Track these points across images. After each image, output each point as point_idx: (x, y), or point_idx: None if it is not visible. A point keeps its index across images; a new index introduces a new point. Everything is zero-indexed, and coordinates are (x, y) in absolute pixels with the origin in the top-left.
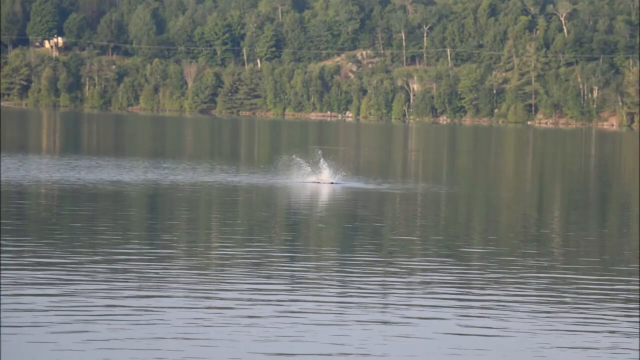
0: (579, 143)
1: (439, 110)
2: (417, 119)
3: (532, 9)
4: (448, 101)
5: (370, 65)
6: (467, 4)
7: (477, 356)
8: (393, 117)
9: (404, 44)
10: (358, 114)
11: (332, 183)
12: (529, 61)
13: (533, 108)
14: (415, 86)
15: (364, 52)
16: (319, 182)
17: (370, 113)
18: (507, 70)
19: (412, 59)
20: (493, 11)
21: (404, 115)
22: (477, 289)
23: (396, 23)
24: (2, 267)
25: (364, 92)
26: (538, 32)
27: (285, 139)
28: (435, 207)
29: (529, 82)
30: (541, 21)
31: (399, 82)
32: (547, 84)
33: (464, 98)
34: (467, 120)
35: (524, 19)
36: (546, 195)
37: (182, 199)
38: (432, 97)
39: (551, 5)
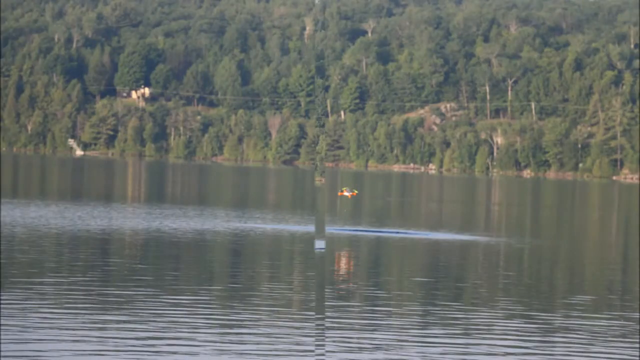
0: None
1: (522, 164)
2: (501, 172)
3: (618, 63)
4: (532, 155)
5: (453, 118)
6: (552, 59)
7: None
8: (476, 170)
9: (488, 97)
10: (441, 167)
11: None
12: (615, 116)
13: (618, 163)
14: (499, 139)
15: (448, 105)
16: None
17: (453, 166)
18: (592, 125)
19: (496, 112)
20: (579, 66)
21: (487, 168)
22: (561, 348)
23: (480, 76)
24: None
25: (447, 144)
26: (624, 87)
27: (368, 191)
28: (516, 259)
29: (614, 137)
30: (627, 76)
31: (483, 135)
32: (633, 138)
33: (548, 152)
34: (551, 174)
35: (610, 73)
36: (630, 250)
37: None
38: (516, 151)
39: (637, 61)
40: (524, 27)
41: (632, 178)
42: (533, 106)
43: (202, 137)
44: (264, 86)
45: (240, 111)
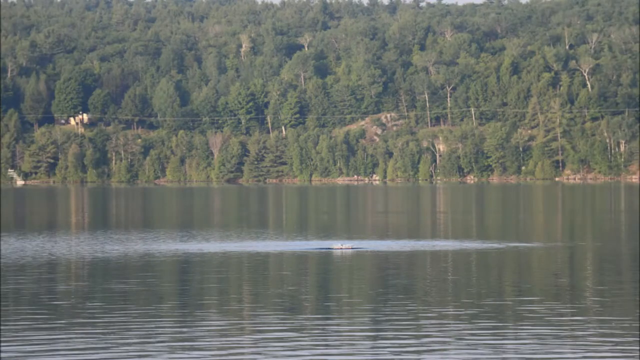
0: (608, 198)
1: (465, 170)
2: (445, 179)
3: (554, 65)
4: (474, 160)
5: (394, 128)
6: (489, 64)
7: None
8: (420, 178)
9: (427, 105)
10: (385, 177)
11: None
12: (554, 117)
13: (560, 164)
14: (441, 146)
15: (388, 115)
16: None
17: (397, 175)
18: (532, 128)
19: (437, 120)
20: (515, 69)
21: (431, 176)
22: (512, 346)
23: (419, 85)
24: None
25: (390, 154)
26: (562, 88)
27: (313, 206)
28: (466, 264)
29: (555, 139)
30: (564, 77)
31: (425, 143)
32: (573, 139)
33: (490, 157)
34: (495, 179)
35: (547, 75)
36: (576, 250)
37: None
38: (459, 157)
39: (574, 61)
40: (460, 34)
41: (574, 178)
42: (473, 112)
43: (144, 160)
44: (203, 106)
45: (181, 132)
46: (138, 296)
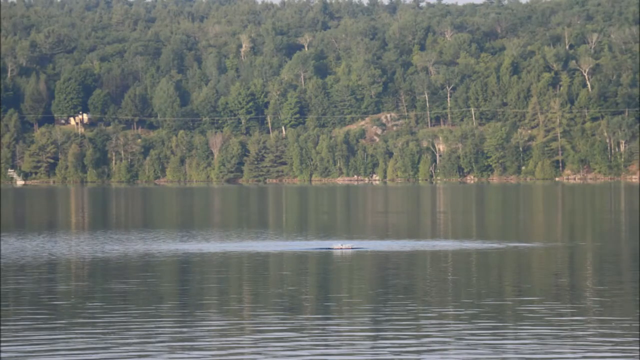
0: (608, 198)
1: (465, 170)
2: (445, 179)
3: (554, 65)
4: (474, 160)
5: (394, 128)
6: (489, 64)
7: None
8: (420, 178)
9: (427, 105)
10: (385, 177)
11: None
12: (554, 117)
13: (560, 164)
14: (440, 146)
15: (388, 115)
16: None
17: (397, 175)
18: (532, 127)
19: (437, 120)
20: (515, 69)
21: (431, 176)
22: (511, 346)
23: (419, 85)
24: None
25: (390, 154)
26: (562, 88)
27: (313, 206)
28: (465, 264)
29: (555, 139)
30: (564, 77)
31: (425, 144)
32: (573, 139)
33: (490, 157)
34: (495, 179)
35: (547, 75)
36: (576, 250)
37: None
38: (459, 157)
39: (574, 61)
40: (460, 34)
41: (574, 178)
42: (473, 112)
43: (144, 160)
44: (203, 106)
45: (181, 132)
46: (138, 296)
